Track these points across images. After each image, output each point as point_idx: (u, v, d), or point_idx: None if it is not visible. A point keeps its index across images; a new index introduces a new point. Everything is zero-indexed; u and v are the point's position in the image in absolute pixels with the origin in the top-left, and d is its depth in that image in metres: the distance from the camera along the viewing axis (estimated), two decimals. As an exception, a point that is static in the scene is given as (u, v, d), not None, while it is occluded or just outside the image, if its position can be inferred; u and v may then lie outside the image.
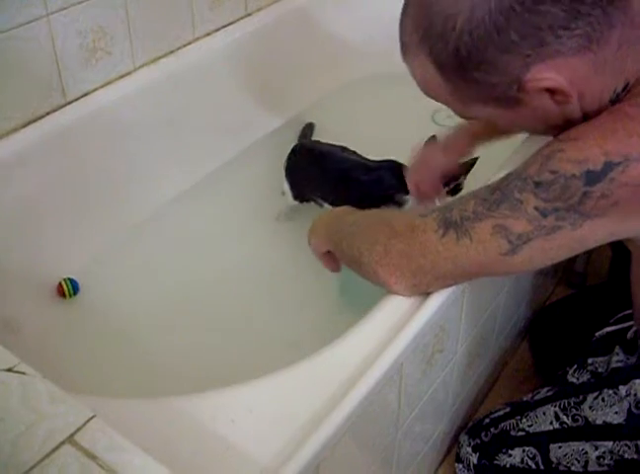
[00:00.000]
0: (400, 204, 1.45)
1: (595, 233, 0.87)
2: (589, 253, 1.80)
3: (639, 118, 0.84)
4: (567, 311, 1.68)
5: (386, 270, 0.99)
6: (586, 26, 0.83)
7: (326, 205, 1.56)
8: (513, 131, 1.25)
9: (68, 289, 1.49)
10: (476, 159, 1.44)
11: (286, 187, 1.65)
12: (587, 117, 0.92)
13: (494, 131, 1.35)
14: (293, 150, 1.67)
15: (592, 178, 0.82)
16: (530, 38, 0.83)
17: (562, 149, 0.86)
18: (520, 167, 0.91)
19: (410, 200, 1.45)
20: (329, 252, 1.19)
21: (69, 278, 1.50)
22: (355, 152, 1.57)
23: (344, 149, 1.57)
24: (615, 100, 0.91)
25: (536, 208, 0.86)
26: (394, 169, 1.47)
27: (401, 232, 0.99)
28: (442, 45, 0.87)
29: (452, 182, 1.42)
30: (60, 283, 1.49)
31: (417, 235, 0.96)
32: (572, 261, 1.84)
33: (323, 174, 1.56)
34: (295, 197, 1.65)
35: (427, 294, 1.04)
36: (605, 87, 0.90)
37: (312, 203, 1.63)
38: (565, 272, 1.86)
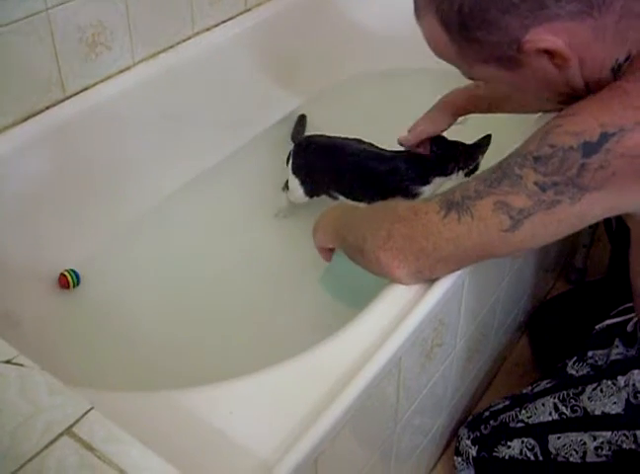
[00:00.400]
0: (415, 196, 1.45)
1: (593, 207, 0.87)
2: (588, 248, 1.81)
3: (635, 93, 0.85)
4: (566, 306, 1.69)
5: (389, 254, 0.99)
6: None
7: (341, 198, 1.56)
8: (523, 104, 1.27)
9: (72, 280, 1.50)
10: (489, 136, 1.44)
11: (295, 183, 1.62)
12: (589, 85, 0.94)
13: (477, 103, 1.40)
14: (299, 146, 1.65)
15: (589, 149, 0.84)
16: (530, 0, 0.86)
17: (560, 124, 0.88)
18: (521, 145, 0.92)
19: (425, 192, 1.45)
20: (331, 248, 1.20)
21: (71, 270, 1.51)
22: (371, 144, 1.55)
23: (360, 141, 1.56)
24: (617, 70, 0.92)
25: (536, 183, 0.87)
26: (409, 160, 1.47)
27: (404, 216, 0.99)
28: (448, 5, 0.91)
29: (470, 162, 1.42)
30: (64, 275, 1.50)
31: (419, 217, 0.97)
32: (571, 256, 1.84)
33: (339, 167, 1.55)
34: (308, 194, 1.63)
35: (426, 288, 1.04)
36: (607, 55, 0.91)
37: (316, 199, 1.63)
38: (565, 267, 1.86)
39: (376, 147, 1.54)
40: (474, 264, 1.03)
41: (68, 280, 1.50)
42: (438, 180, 1.46)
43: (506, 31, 0.89)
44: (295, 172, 1.62)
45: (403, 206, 1.03)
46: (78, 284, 1.52)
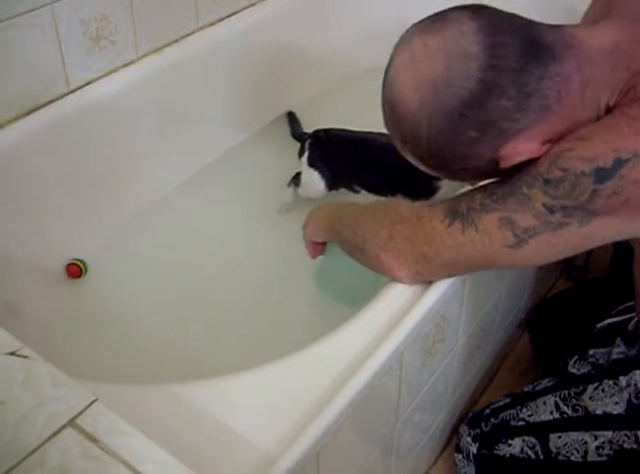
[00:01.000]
0: (435, 190, 1.45)
1: (602, 231, 0.87)
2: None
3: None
4: (567, 304, 1.69)
5: (390, 255, 1.00)
6: (539, 99, 0.88)
7: (363, 192, 1.56)
8: None
9: (84, 266, 1.52)
10: None
11: (315, 176, 1.60)
12: None
13: None
14: (317, 138, 1.62)
15: (602, 175, 0.83)
16: (488, 130, 0.89)
17: (571, 148, 0.87)
18: (529, 166, 0.91)
19: (443, 186, 1.45)
20: (321, 243, 1.22)
21: (78, 259, 1.52)
22: None
23: (383, 135, 1.55)
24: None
25: (544, 205, 0.87)
26: None
27: (407, 219, 1.00)
28: (419, 150, 0.96)
29: None
30: (74, 264, 1.51)
31: (423, 223, 0.98)
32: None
33: (363, 160, 1.54)
34: (329, 187, 1.61)
35: (428, 284, 1.04)
36: (584, 119, 0.92)
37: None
38: (566, 265, 1.86)
39: None
40: (472, 272, 1.04)
41: (80, 268, 1.52)
42: None
43: (479, 157, 0.93)
44: (313, 165, 1.60)
45: (405, 208, 1.04)
46: (87, 271, 1.54)
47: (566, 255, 0.93)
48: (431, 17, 0.93)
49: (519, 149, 0.90)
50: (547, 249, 0.90)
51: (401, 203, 1.08)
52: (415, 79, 0.90)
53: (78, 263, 1.52)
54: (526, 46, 0.87)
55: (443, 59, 0.88)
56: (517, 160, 0.91)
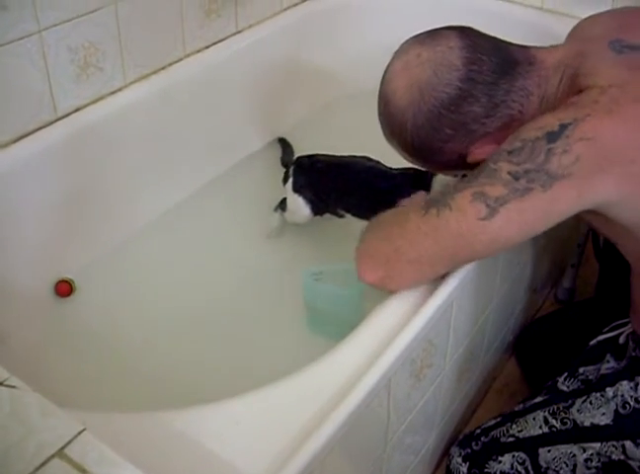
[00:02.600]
0: None
1: (564, 195, 0.95)
2: (576, 268, 1.82)
3: (581, 103, 0.98)
4: (554, 326, 1.69)
5: (361, 261, 1.09)
6: (505, 108, 1.06)
7: (348, 216, 1.56)
8: None
9: (73, 284, 1.53)
10: None
11: (300, 202, 1.60)
12: None
13: None
14: (301, 164, 1.63)
15: (552, 137, 0.96)
16: (461, 130, 1.08)
17: (526, 126, 1.01)
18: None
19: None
20: None
21: (67, 278, 1.53)
22: (378, 162, 1.54)
23: (368, 159, 1.56)
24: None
25: (509, 173, 0.96)
26: (410, 175, 1.46)
27: (386, 219, 1.11)
28: (403, 141, 1.13)
29: None
30: (64, 281, 1.52)
31: (399, 218, 1.08)
32: (560, 276, 1.85)
33: (347, 185, 1.54)
34: (314, 212, 1.61)
35: (415, 308, 1.05)
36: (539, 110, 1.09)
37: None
38: (553, 287, 1.87)
39: (382, 165, 1.53)
40: (449, 267, 1.07)
41: (70, 285, 1.52)
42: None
43: (452, 152, 1.11)
44: (298, 190, 1.60)
45: (389, 212, 1.13)
46: (75, 290, 1.54)
47: (539, 227, 1.00)
48: (427, 32, 1.11)
49: (484, 148, 1.08)
50: (518, 217, 0.97)
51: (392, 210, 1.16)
52: (406, 82, 1.08)
53: (68, 280, 1.52)
54: (499, 64, 1.06)
55: (432, 68, 1.06)
56: (481, 157, 1.06)
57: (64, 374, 1.38)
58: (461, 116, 1.06)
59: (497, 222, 0.96)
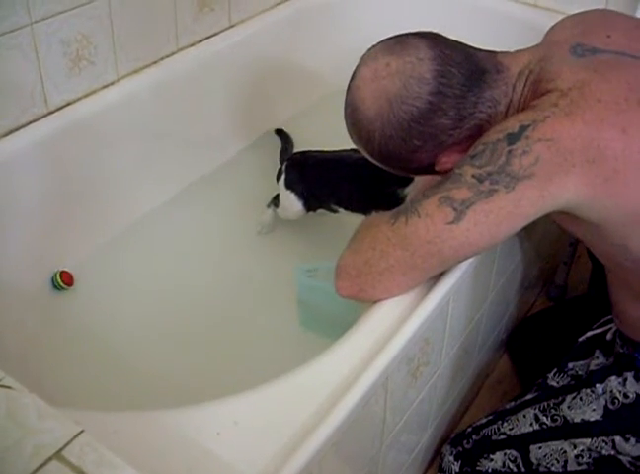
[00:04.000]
0: (402, 199, 1.45)
1: (527, 196, 0.96)
2: (569, 266, 1.82)
3: (540, 107, 1.00)
4: (547, 323, 1.70)
5: (338, 268, 1.09)
6: (472, 120, 1.06)
7: (341, 211, 1.57)
8: None
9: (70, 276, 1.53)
10: None
11: (292, 198, 1.62)
12: None
13: None
14: (293, 161, 1.65)
15: (512, 138, 0.97)
16: (429, 141, 1.07)
17: (490, 131, 1.03)
18: None
19: (409, 193, 1.45)
20: None
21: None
22: None
23: (355, 151, 1.56)
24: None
25: (473, 176, 0.98)
26: None
27: (360, 231, 1.10)
28: (371, 148, 1.12)
29: None
30: (66, 271, 1.52)
31: (370, 230, 1.08)
32: (552, 273, 1.85)
33: (337, 179, 1.55)
34: (307, 208, 1.62)
35: (412, 307, 1.04)
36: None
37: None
38: (546, 284, 1.88)
39: None
40: (422, 275, 1.06)
41: (71, 275, 1.53)
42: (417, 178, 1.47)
43: (420, 161, 1.10)
44: (290, 187, 1.62)
45: (363, 224, 1.12)
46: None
47: (507, 229, 1.00)
48: (395, 38, 1.09)
49: (451, 158, 1.08)
50: (485, 219, 0.97)
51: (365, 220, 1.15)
52: (375, 93, 1.06)
53: (68, 272, 1.53)
54: (468, 76, 1.05)
55: (402, 80, 1.04)
56: (448, 166, 1.07)
57: (60, 371, 1.37)
58: (430, 128, 1.06)
59: (464, 225, 0.97)
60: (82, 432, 0.69)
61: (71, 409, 0.82)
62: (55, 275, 1.52)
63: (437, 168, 1.11)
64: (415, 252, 1.01)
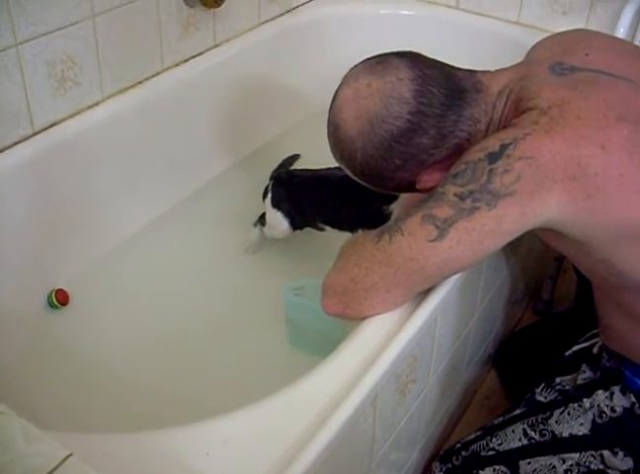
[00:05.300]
0: (388, 216, 1.46)
1: (509, 213, 0.97)
2: (555, 280, 1.83)
3: (521, 125, 1.01)
4: (534, 337, 1.70)
5: (325, 286, 1.09)
6: (453, 139, 1.08)
7: (327, 228, 1.57)
8: None
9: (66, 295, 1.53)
10: None
11: (279, 217, 1.62)
12: None
13: None
14: (279, 180, 1.65)
15: (493, 157, 0.98)
16: (411, 160, 1.09)
17: (471, 150, 1.03)
18: None
19: (394, 210, 1.46)
20: None
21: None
22: None
23: (340, 169, 1.57)
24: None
25: (455, 194, 0.98)
26: None
27: (346, 249, 1.11)
28: (352, 166, 1.14)
29: None
30: (61, 291, 1.52)
31: (356, 248, 1.08)
32: (539, 288, 1.86)
33: (323, 197, 1.56)
34: (294, 226, 1.62)
35: (400, 324, 1.05)
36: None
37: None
38: (532, 299, 1.88)
39: None
40: (406, 292, 1.06)
41: (66, 293, 1.52)
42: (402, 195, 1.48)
43: (401, 180, 1.12)
44: (277, 206, 1.62)
45: (349, 242, 1.12)
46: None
47: (490, 246, 1.00)
48: (376, 58, 1.11)
49: (432, 176, 1.10)
50: (467, 236, 0.98)
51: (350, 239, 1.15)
52: (357, 113, 1.08)
53: (63, 291, 1.53)
54: (447, 95, 1.07)
55: (382, 100, 1.06)
56: (430, 185, 1.09)
57: (49, 392, 1.37)
58: (411, 147, 1.07)
59: (447, 243, 0.98)
60: (70, 455, 0.69)
61: (61, 432, 0.82)
62: (51, 293, 1.51)
63: (418, 186, 1.12)
64: (399, 269, 1.01)
